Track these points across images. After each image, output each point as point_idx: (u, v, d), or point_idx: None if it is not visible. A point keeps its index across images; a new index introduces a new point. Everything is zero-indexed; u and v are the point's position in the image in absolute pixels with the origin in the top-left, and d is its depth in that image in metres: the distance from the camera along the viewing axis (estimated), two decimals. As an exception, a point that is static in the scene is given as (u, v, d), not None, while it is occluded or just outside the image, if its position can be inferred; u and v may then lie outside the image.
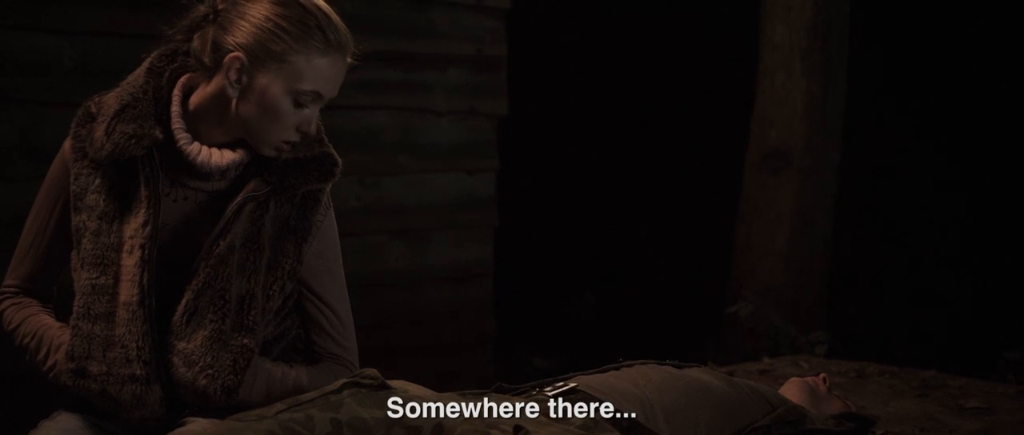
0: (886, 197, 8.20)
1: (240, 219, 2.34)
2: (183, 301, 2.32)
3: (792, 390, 3.12)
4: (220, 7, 2.31)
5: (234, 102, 2.30)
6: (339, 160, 2.45)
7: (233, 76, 2.28)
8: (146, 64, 2.38)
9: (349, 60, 2.35)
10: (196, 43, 2.33)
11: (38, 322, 2.46)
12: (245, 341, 2.33)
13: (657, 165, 8.59)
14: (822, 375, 3.27)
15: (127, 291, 2.30)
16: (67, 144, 2.39)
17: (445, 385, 2.53)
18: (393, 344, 5.20)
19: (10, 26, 4.23)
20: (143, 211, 2.31)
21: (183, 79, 2.37)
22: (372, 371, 2.38)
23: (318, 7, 2.31)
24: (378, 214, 5.35)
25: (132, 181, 2.33)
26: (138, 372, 2.29)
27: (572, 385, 2.62)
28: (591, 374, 2.80)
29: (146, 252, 2.30)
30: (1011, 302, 7.31)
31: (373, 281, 5.29)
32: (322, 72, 2.29)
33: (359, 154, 5.18)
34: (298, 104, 2.30)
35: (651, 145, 8.61)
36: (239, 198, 2.34)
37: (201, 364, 2.30)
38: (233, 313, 2.33)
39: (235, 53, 2.26)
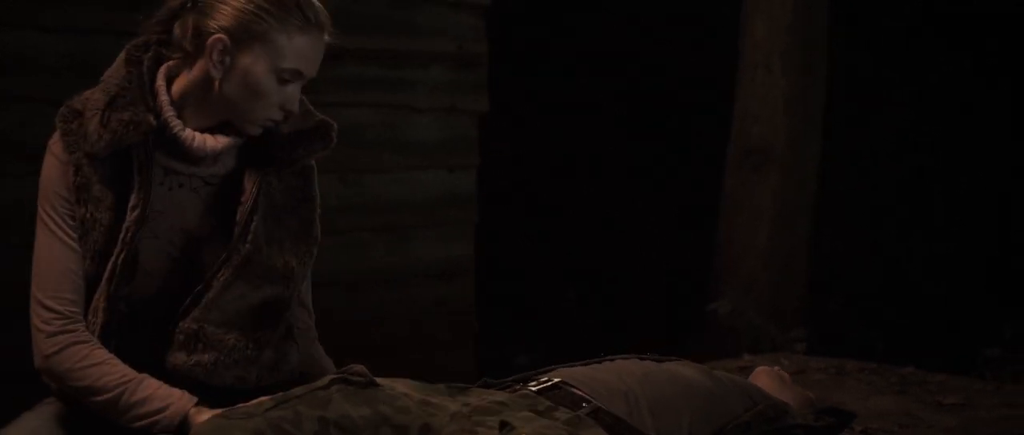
0: (866, 194, 8.23)
1: (261, 195, 2.41)
2: (220, 279, 2.37)
3: (762, 379, 3.14)
4: None
5: (218, 83, 2.32)
6: (335, 125, 2.52)
7: (216, 57, 2.31)
8: (123, 56, 2.40)
9: (327, 38, 2.39)
10: (177, 31, 2.36)
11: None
12: (279, 292, 2.43)
13: (638, 161, 8.60)
14: (776, 367, 3.31)
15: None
16: (56, 144, 2.37)
17: (428, 382, 2.53)
18: (375, 341, 5.20)
19: (0, 24, 4.23)
20: (134, 195, 2.34)
21: (163, 68, 2.39)
22: (360, 367, 2.38)
23: None
24: (360, 211, 5.35)
25: (128, 170, 2.35)
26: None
27: (556, 380, 2.62)
28: (574, 367, 2.81)
29: (129, 235, 2.32)
30: (990, 300, 7.35)
31: (355, 278, 5.29)
32: (302, 50, 2.33)
33: (341, 151, 5.16)
34: (281, 81, 2.34)
35: (632, 142, 8.63)
36: (257, 177, 2.41)
37: (233, 324, 2.38)
38: (279, 283, 2.42)
39: (218, 35, 2.30)
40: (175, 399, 2.30)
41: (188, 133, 2.35)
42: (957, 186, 8.13)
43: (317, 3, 2.37)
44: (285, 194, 2.47)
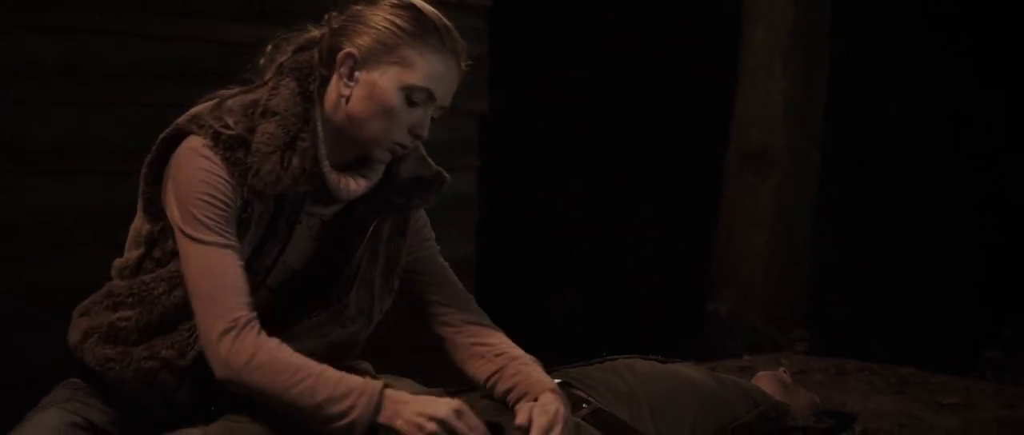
0: (864, 196, 8.24)
1: (369, 244, 2.39)
2: (312, 318, 2.35)
3: (764, 382, 3.14)
4: (335, 25, 2.31)
5: (346, 101, 2.27)
6: (449, 178, 2.48)
7: (345, 71, 2.26)
8: (294, 86, 2.29)
9: (464, 67, 2.34)
10: (315, 57, 2.31)
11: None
12: (359, 329, 2.43)
13: (638, 163, 8.61)
14: (782, 368, 3.31)
15: None
16: (215, 160, 2.23)
17: (429, 384, 2.53)
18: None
19: (-1, 28, 4.24)
20: (272, 242, 2.31)
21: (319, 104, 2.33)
22: (366, 365, 2.39)
23: (434, 12, 2.32)
24: (360, 212, 5.36)
25: (276, 211, 2.30)
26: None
27: (557, 381, 2.63)
28: (576, 367, 2.82)
29: (259, 279, 2.29)
30: (990, 301, 7.35)
31: (355, 279, 5.29)
32: (434, 69, 2.27)
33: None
34: (410, 102, 2.27)
35: (632, 144, 8.63)
36: (370, 225, 2.38)
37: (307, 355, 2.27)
38: (362, 321, 2.42)
39: (348, 49, 2.26)
40: (355, 398, 2.16)
41: (334, 177, 2.29)
42: (955, 188, 8.14)
43: (455, 32, 2.32)
44: (387, 229, 2.43)
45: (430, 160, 2.47)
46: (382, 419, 2.14)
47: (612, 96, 8.55)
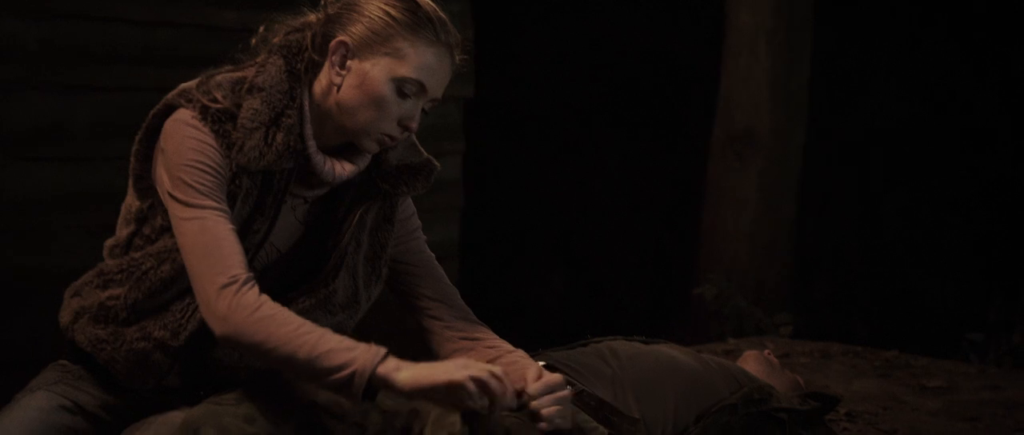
0: (850, 178, 8.25)
1: (355, 230, 2.40)
2: (299, 305, 2.33)
3: (750, 363, 3.15)
4: (330, 12, 2.33)
5: (337, 89, 2.28)
6: (438, 166, 2.49)
7: (337, 59, 2.28)
8: (282, 64, 2.32)
9: (457, 60, 2.35)
10: (306, 41, 2.33)
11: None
12: (346, 318, 2.43)
13: (625, 148, 8.60)
14: (767, 351, 3.31)
15: None
16: (206, 130, 2.25)
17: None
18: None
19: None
20: (259, 220, 2.31)
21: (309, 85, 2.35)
22: None
23: (429, 4, 2.33)
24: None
25: (263, 188, 2.31)
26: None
27: (542, 364, 2.63)
28: (560, 351, 2.82)
29: (249, 256, 2.27)
30: (975, 284, 7.37)
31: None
32: (426, 61, 2.28)
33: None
34: (401, 94, 2.28)
35: (619, 128, 8.62)
36: (356, 210, 2.39)
37: None
38: (349, 310, 2.43)
39: (341, 37, 2.27)
40: (358, 353, 2.13)
41: (319, 159, 2.31)
42: (940, 170, 8.15)
43: (450, 25, 2.33)
44: (374, 218, 2.44)
45: (420, 147, 2.48)
46: (382, 371, 2.11)
47: (598, 79, 8.54)
